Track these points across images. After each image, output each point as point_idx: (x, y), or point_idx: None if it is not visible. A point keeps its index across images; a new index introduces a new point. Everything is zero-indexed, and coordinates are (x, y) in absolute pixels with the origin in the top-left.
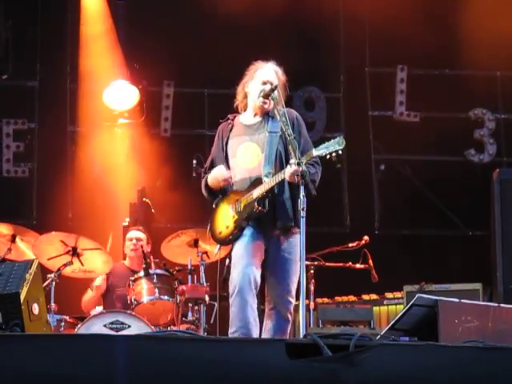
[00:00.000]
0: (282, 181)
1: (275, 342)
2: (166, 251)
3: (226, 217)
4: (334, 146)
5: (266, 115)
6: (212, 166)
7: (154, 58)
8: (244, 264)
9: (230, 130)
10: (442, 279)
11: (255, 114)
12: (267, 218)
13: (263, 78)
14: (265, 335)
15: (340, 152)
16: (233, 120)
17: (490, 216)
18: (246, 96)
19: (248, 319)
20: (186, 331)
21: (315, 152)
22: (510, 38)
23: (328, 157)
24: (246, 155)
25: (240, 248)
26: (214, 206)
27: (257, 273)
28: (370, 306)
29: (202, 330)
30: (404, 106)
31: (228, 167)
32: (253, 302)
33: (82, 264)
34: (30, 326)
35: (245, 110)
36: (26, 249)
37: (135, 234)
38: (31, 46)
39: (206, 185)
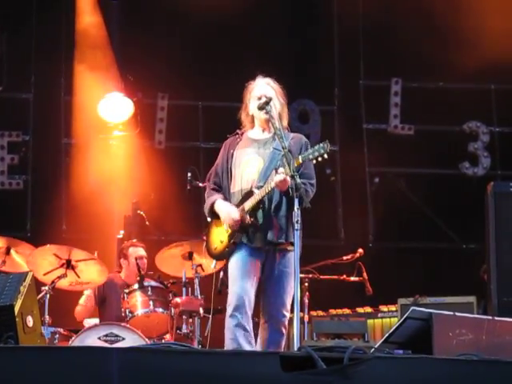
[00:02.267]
0: (280, 197)
1: (269, 354)
2: (160, 264)
3: (220, 232)
4: (319, 151)
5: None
6: (215, 176)
7: (148, 70)
8: (239, 286)
9: (238, 143)
10: (436, 292)
11: (263, 130)
12: (263, 234)
13: (257, 94)
14: (259, 348)
15: (325, 156)
16: (241, 135)
17: (484, 229)
18: (252, 119)
19: (241, 344)
20: (181, 344)
21: (301, 158)
22: (504, 51)
23: (314, 161)
24: (249, 167)
25: (236, 268)
26: (208, 219)
27: (251, 294)
28: (364, 319)
29: (197, 343)
30: (398, 119)
31: (230, 178)
32: (247, 324)
33: (78, 276)
34: (24, 338)
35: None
36: (20, 261)
37: (143, 252)
38: (25, 58)
39: (212, 209)
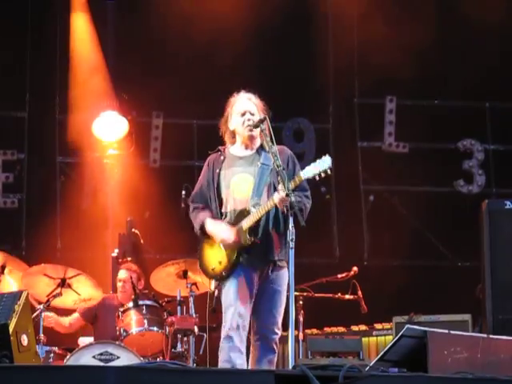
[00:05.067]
0: (277, 215)
1: (264, 373)
2: (155, 282)
3: (217, 252)
4: (321, 166)
5: (260, 148)
6: (201, 195)
7: (143, 88)
8: (235, 309)
9: (222, 161)
10: (431, 310)
11: (246, 147)
12: (259, 253)
13: (240, 109)
14: (251, 366)
15: (329, 171)
16: (224, 151)
17: (478, 247)
18: (233, 134)
19: (236, 365)
20: (176, 362)
21: (303, 175)
22: (497, 69)
23: (317, 178)
24: (239, 187)
25: (232, 290)
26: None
27: (247, 317)
28: (359, 337)
29: (191, 361)
30: (393, 137)
31: (219, 198)
32: (241, 346)
33: (78, 294)
34: (19, 357)
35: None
36: (13, 281)
37: (124, 274)
38: (20, 76)
39: (203, 229)
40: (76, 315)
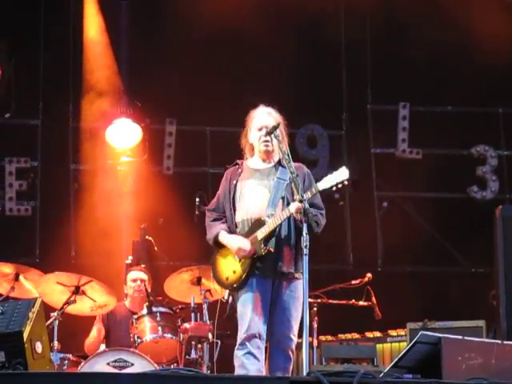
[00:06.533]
0: (289, 227)
1: (279, 379)
2: (169, 289)
3: (230, 261)
4: (338, 177)
5: (278, 163)
6: (218, 205)
7: (156, 95)
8: (250, 319)
9: (240, 173)
10: (444, 316)
11: (263, 160)
12: (273, 264)
13: (257, 124)
14: (266, 373)
15: (346, 183)
16: (241, 165)
17: (492, 253)
18: (253, 147)
19: (250, 371)
20: (190, 369)
21: (320, 186)
22: (511, 74)
23: (334, 188)
24: (254, 198)
25: (247, 300)
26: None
27: (262, 326)
28: (373, 344)
29: (206, 368)
30: (406, 144)
31: (234, 208)
32: (257, 353)
33: (94, 300)
34: (33, 364)
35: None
36: (30, 286)
37: (139, 274)
38: (34, 84)
39: (217, 240)
40: (98, 324)
